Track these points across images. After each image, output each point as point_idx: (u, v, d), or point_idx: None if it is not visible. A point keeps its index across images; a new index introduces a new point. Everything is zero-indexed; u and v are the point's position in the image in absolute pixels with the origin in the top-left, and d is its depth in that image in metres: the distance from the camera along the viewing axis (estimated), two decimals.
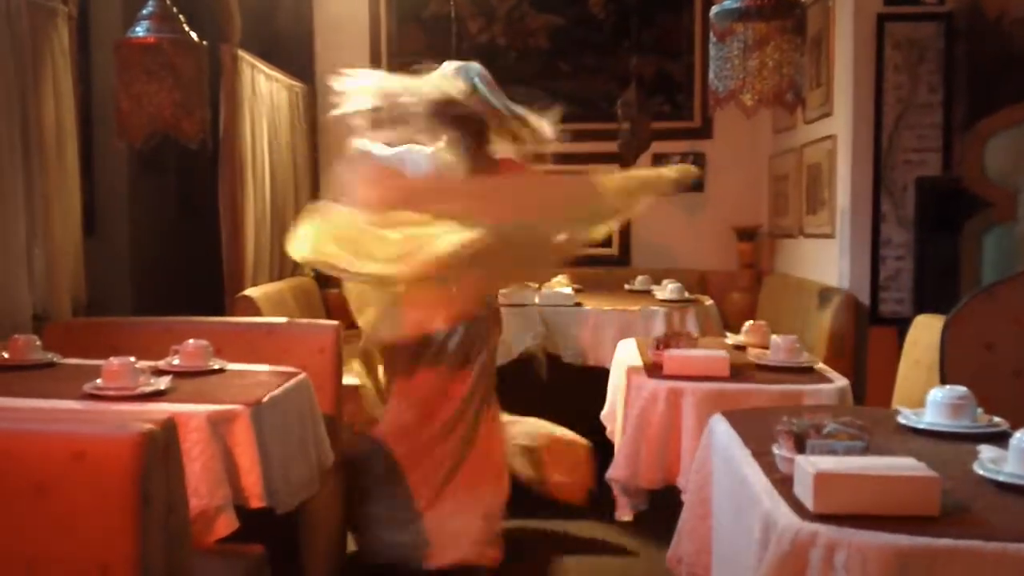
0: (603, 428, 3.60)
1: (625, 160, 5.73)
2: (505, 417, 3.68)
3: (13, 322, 3.35)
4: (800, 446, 1.74)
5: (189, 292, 5.24)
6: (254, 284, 4.70)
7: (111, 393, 2.48)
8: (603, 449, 3.53)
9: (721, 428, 2.16)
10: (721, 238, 5.92)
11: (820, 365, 3.18)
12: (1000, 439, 1.92)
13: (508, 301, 4.28)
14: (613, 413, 3.42)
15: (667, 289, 4.84)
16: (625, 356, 3.36)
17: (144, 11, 3.57)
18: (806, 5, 3.47)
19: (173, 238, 5.54)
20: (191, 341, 2.86)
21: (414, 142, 3.39)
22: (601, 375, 3.78)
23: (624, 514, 3.05)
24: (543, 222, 3.26)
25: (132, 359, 2.58)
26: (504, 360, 4.05)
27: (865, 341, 4.25)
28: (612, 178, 3.39)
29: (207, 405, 2.42)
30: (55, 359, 2.99)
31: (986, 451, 1.81)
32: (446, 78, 3.35)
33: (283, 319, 4.07)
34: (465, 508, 3.36)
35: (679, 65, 5.97)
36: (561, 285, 4.83)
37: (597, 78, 5.96)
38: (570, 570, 3.65)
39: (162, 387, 2.54)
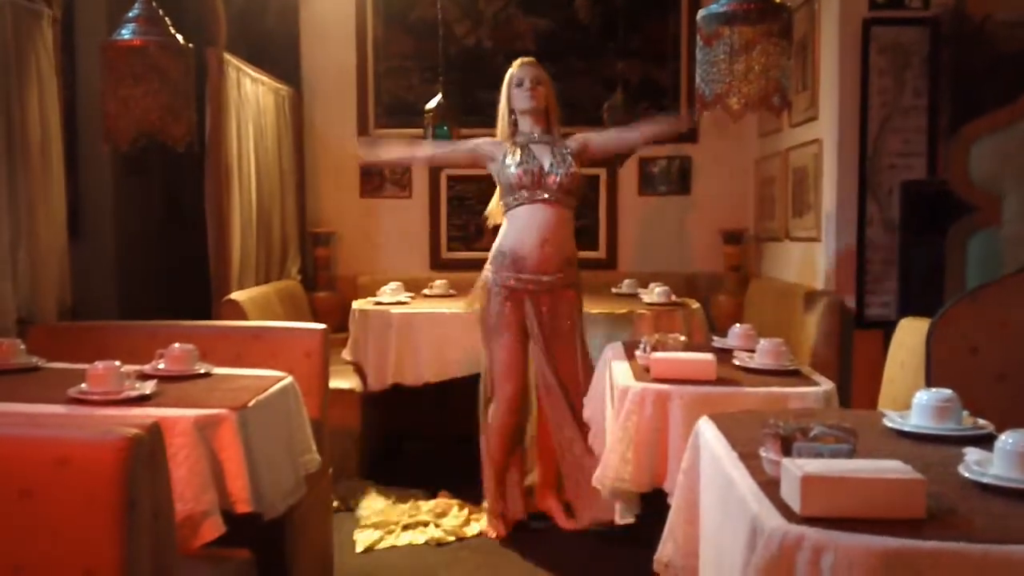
0: None
1: (611, 165, 5.75)
2: None
3: None
4: (787, 449, 1.74)
5: (175, 295, 5.22)
6: (240, 288, 4.68)
7: (96, 398, 2.47)
8: None
9: (708, 431, 2.16)
10: (708, 241, 5.93)
11: (806, 368, 3.18)
12: (985, 441, 1.93)
13: None
14: (596, 416, 3.41)
15: (654, 292, 4.84)
16: (612, 359, 3.36)
17: (130, 13, 3.55)
18: (792, 9, 3.47)
19: (159, 241, 5.51)
20: (176, 345, 2.85)
21: None
22: None
23: (622, 518, 3.05)
24: None
25: (117, 363, 2.56)
26: None
27: (851, 344, 4.27)
28: None
29: (193, 409, 2.41)
30: (39, 363, 2.98)
31: (971, 453, 1.81)
32: None
33: (269, 323, 4.07)
34: None
35: (665, 70, 5.98)
36: None
37: (583, 82, 5.96)
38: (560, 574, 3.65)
39: (147, 391, 2.53)
